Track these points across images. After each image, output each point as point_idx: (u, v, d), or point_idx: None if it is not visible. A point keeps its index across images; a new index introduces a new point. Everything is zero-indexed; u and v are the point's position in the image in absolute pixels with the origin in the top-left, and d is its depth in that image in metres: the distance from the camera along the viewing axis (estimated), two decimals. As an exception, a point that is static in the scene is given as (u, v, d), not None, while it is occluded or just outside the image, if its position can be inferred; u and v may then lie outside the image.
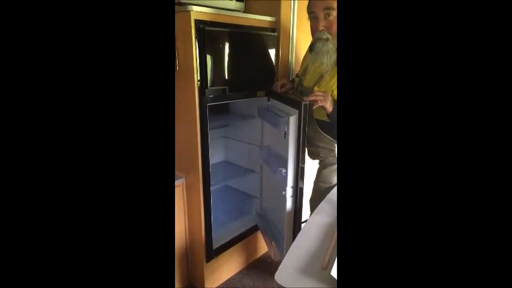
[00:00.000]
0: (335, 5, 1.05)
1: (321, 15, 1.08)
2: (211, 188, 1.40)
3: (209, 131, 1.30)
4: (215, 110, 1.64)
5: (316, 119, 1.18)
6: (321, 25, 1.09)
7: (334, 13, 1.06)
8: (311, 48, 1.16)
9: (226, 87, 1.30)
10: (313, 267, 0.71)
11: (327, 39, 1.09)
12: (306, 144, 1.12)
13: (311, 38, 1.16)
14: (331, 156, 1.23)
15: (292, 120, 1.09)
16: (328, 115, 1.08)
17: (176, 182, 1.38)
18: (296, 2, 1.45)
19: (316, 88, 1.15)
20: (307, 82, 1.22)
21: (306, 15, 1.16)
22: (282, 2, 1.40)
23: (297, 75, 1.33)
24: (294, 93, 1.29)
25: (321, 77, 1.15)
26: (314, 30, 1.13)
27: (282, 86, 1.30)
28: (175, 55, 1.21)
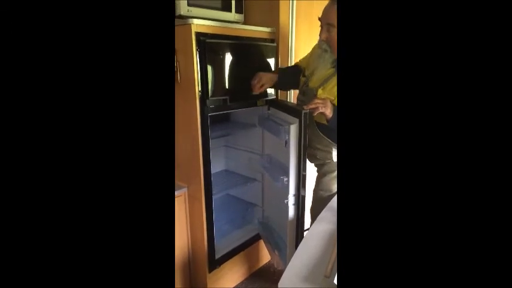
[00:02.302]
0: (335, 22, 1.06)
1: (324, 27, 1.10)
2: (213, 197, 1.40)
3: (210, 141, 1.31)
4: (216, 120, 1.66)
5: (316, 122, 1.19)
6: (323, 36, 1.11)
7: (334, 30, 1.06)
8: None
9: (227, 97, 1.31)
10: (316, 276, 0.71)
11: (326, 51, 1.13)
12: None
13: (309, 49, 1.18)
14: (328, 160, 1.23)
15: (293, 129, 1.10)
16: (328, 121, 1.09)
17: (178, 192, 1.38)
18: (294, 13, 1.48)
19: (320, 90, 1.16)
20: (313, 83, 1.21)
21: (304, 25, 1.18)
22: (281, 13, 1.43)
23: (304, 75, 1.30)
24: (299, 90, 1.29)
25: (326, 80, 1.16)
26: (319, 38, 1.15)
27: (261, 86, 1.30)
28: (175, 67, 1.23)
